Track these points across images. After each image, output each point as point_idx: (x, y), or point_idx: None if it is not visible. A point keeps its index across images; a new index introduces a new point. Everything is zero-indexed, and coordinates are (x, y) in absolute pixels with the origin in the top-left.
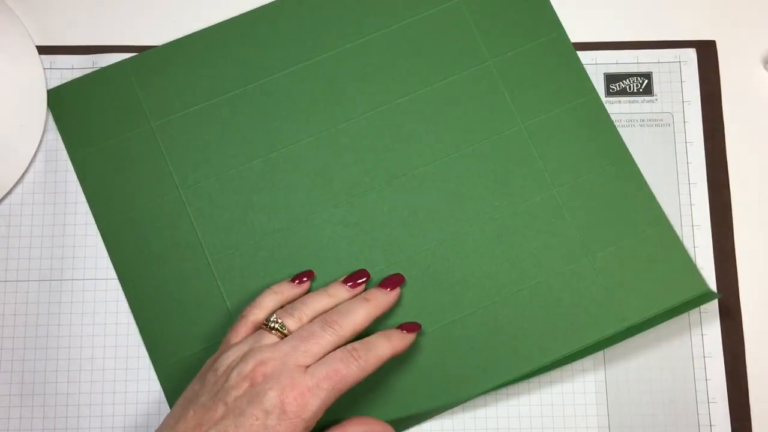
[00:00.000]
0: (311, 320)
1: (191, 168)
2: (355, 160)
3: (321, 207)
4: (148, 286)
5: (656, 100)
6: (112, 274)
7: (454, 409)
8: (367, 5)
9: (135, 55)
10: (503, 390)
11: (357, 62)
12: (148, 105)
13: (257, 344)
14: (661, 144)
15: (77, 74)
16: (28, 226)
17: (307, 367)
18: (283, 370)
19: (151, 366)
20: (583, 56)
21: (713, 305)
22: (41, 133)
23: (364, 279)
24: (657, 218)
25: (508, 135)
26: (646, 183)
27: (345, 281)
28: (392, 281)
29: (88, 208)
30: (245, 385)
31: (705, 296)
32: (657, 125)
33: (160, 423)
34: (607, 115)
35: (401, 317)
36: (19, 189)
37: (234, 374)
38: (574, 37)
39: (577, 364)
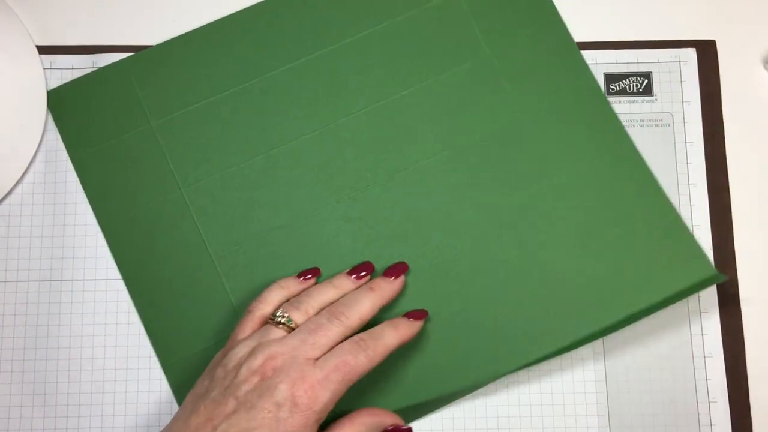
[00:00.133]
0: (317, 312)
1: (192, 166)
2: (356, 155)
3: (323, 202)
4: (152, 285)
5: (656, 100)
6: (113, 274)
7: (452, 401)
8: (365, 0)
9: (134, 54)
10: (503, 392)
11: (356, 57)
12: (147, 104)
13: (265, 339)
14: (660, 144)
15: (77, 74)
16: (28, 226)
17: (316, 359)
18: (293, 363)
19: (151, 366)
20: (583, 56)
21: (713, 306)
22: (41, 133)
23: (368, 271)
24: (661, 202)
25: (510, 125)
26: (648, 167)
27: (350, 273)
28: (396, 270)
29: (88, 208)
30: (255, 379)
31: (712, 279)
32: (657, 125)
33: (171, 419)
34: (607, 101)
35: (409, 307)
36: (19, 189)
37: (244, 369)
38: (574, 36)
39: (577, 365)
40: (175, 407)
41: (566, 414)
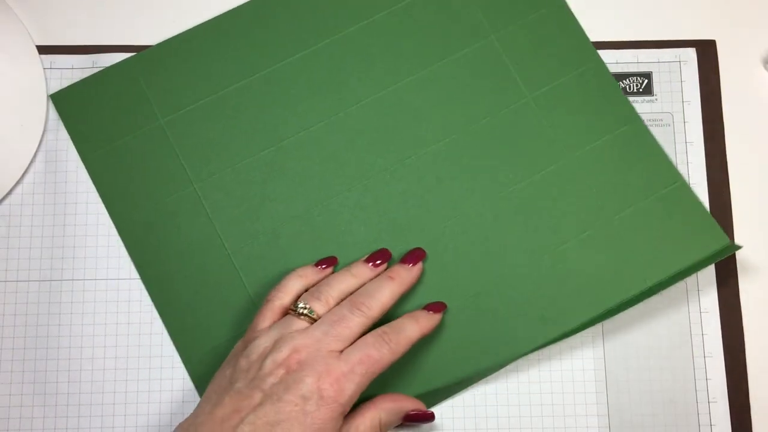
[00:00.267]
0: (338, 302)
1: (203, 162)
2: (365, 143)
3: (335, 191)
4: (170, 281)
5: (656, 99)
6: (113, 274)
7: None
8: None
9: (138, 54)
10: (503, 391)
11: (360, 46)
12: (156, 102)
13: (287, 330)
14: (660, 144)
15: (77, 74)
16: (28, 226)
17: (340, 351)
18: (317, 356)
19: (151, 366)
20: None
21: (714, 305)
22: (41, 133)
23: (385, 258)
24: (672, 177)
25: (517, 107)
26: (657, 143)
27: (367, 261)
28: (414, 256)
29: (88, 208)
30: (281, 372)
31: (725, 249)
32: (657, 125)
33: (194, 410)
34: (613, 79)
35: (425, 294)
36: (19, 189)
37: (268, 361)
38: None
39: (577, 365)
40: (176, 407)
41: (566, 414)
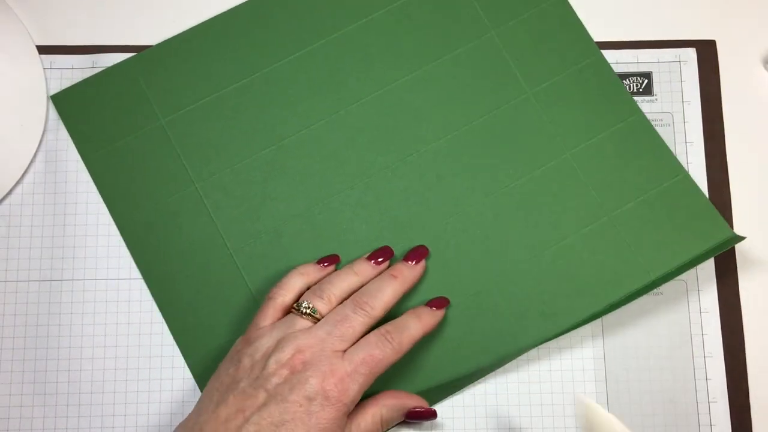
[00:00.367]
0: (341, 301)
1: (204, 161)
2: (366, 141)
3: (337, 189)
4: (172, 281)
5: (656, 100)
6: (113, 274)
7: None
8: None
9: (138, 54)
10: (502, 391)
11: (359, 44)
12: (156, 102)
13: (291, 330)
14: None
15: (77, 74)
16: (28, 226)
17: (344, 351)
18: (321, 356)
19: (151, 366)
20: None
21: (714, 305)
22: (41, 133)
23: (387, 256)
24: (674, 169)
25: (517, 103)
26: (659, 137)
27: (369, 258)
28: (417, 254)
29: (88, 208)
30: (285, 372)
31: (729, 241)
32: (657, 125)
33: (195, 408)
34: (614, 73)
35: (426, 291)
36: (19, 189)
37: (272, 361)
38: None
39: (577, 365)
40: (176, 407)
41: (566, 414)
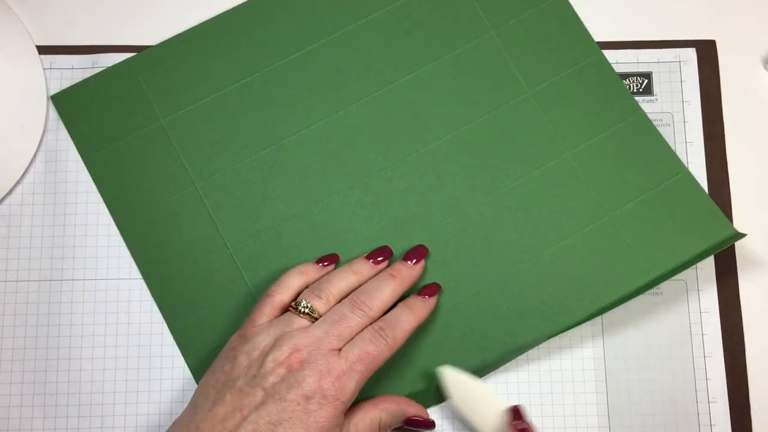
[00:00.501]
0: (339, 300)
1: (204, 161)
2: (366, 141)
3: (337, 189)
4: (172, 281)
5: (656, 99)
6: (113, 274)
7: None
8: None
9: (138, 54)
10: (502, 391)
11: (358, 44)
12: (156, 102)
13: (288, 328)
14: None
15: (77, 74)
16: (28, 226)
17: (339, 349)
18: (318, 355)
19: (151, 366)
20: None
21: (714, 305)
22: (41, 133)
23: (386, 255)
24: (675, 168)
25: (517, 103)
26: (660, 135)
27: (368, 258)
28: (417, 253)
29: (88, 208)
30: (282, 371)
31: (730, 238)
32: (657, 125)
33: (190, 405)
34: (614, 73)
35: None
36: (19, 189)
37: (269, 360)
38: None
39: (577, 365)
40: (176, 407)
41: (566, 414)
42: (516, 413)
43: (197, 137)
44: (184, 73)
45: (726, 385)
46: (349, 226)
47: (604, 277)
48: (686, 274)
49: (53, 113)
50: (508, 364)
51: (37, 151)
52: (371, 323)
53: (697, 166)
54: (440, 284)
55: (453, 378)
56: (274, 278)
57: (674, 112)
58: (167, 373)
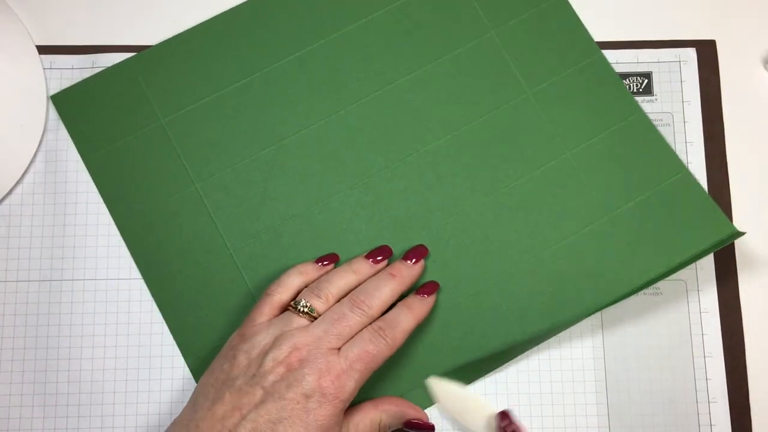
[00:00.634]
0: (338, 300)
1: (204, 161)
2: (366, 141)
3: (337, 189)
4: (172, 282)
5: (656, 99)
6: (113, 274)
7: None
8: None
9: (137, 54)
10: (502, 391)
11: (358, 44)
12: (156, 102)
13: (287, 328)
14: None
15: (77, 74)
16: (28, 226)
17: (339, 349)
18: (318, 354)
19: (151, 366)
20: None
21: (714, 305)
22: (41, 133)
23: (386, 255)
24: (675, 167)
25: (517, 103)
26: (661, 135)
27: (367, 257)
28: (416, 253)
29: (88, 208)
30: (281, 370)
31: (729, 237)
32: (657, 125)
33: (189, 404)
34: (614, 73)
35: None
36: (19, 189)
37: (268, 359)
38: None
39: (576, 365)
40: (176, 408)
41: (566, 414)
42: (504, 416)
43: (197, 137)
44: (184, 73)
45: (726, 385)
46: (349, 226)
47: (604, 278)
48: (686, 274)
49: (53, 113)
50: (508, 364)
51: (37, 151)
52: (371, 323)
53: (697, 166)
54: (439, 283)
55: (441, 388)
56: (274, 278)
57: (674, 112)
58: (167, 373)
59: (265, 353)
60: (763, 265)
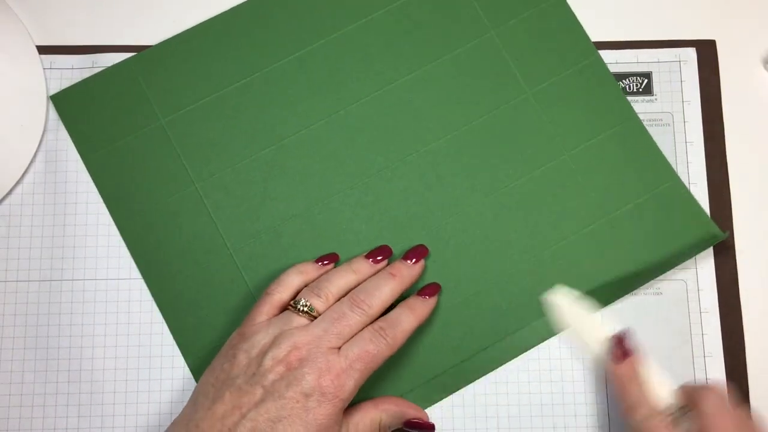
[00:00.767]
0: (338, 299)
1: (204, 161)
2: (366, 141)
3: (337, 189)
4: (172, 282)
5: (656, 99)
6: (113, 274)
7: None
8: None
9: (137, 54)
10: (502, 391)
11: (358, 44)
12: (156, 102)
13: (287, 327)
14: (660, 144)
15: (77, 74)
16: (28, 226)
17: (339, 348)
18: (317, 353)
19: (151, 366)
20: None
21: (714, 305)
22: (41, 133)
23: (386, 255)
24: (666, 175)
25: (516, 103)
26: (653, 141)
27: (367, 257)
28: (416, 253)
29: (88, 208)
30: (281, 369)
31: (714, 237)
32: (657, 125)
33: (189, 403)
34: (611, 76)
35: None
36: (19, 189)
37: (268, 358)
38: None
39: (577, 365)
40: (176, 408)
41: (566, 414)
42: (618, 341)
43: (197, 137)
44: (183, 73)
45: (726, 385)
46: (349, 226)
47: (602, 279)
48: (686, 274)
49: (53, 113)
50: (508, 364)
51: (37, 151)
52: (370, 322)
53: (697, 166)
54: (441, 283)
55: (564, 303)
56: (273, 278)
57: (674, 112)
58: (167, 373)
59: (264, 352)
60: (763, 264)
